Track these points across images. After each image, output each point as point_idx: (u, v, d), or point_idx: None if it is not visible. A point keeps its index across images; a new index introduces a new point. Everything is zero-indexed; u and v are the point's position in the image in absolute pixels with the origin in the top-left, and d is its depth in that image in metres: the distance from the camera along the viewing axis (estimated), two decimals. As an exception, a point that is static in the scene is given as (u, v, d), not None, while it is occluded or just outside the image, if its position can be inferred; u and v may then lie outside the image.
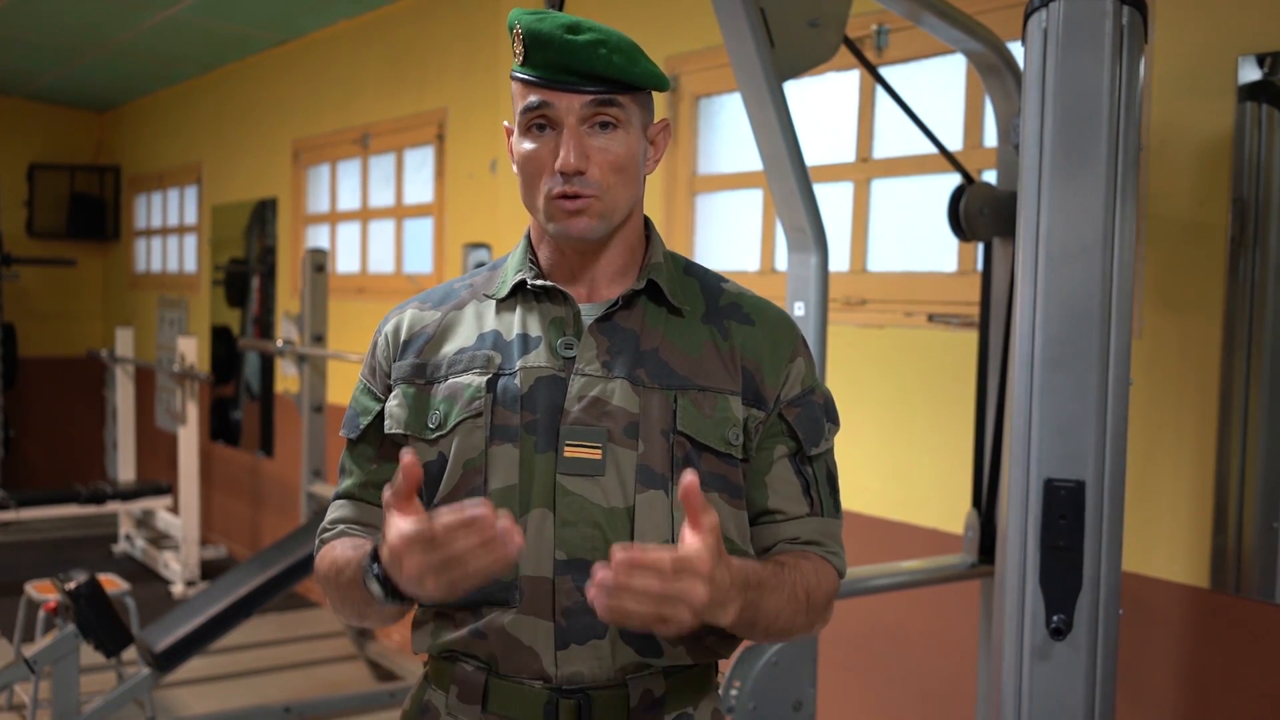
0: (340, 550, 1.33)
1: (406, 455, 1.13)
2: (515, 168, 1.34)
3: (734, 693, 2.28)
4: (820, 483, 1.38)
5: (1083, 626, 1.78)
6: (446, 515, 1.11)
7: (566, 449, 1.27)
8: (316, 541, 1.42)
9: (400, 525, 1.13)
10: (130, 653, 4.15)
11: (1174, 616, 2.55)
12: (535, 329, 1.33)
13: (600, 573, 1.08)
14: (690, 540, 1.11)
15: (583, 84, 1.26)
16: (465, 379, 1.32)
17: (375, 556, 1.20)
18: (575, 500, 1.27)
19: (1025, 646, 1.81)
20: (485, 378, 1.31)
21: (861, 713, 3.30)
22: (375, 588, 1.20)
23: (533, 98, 1.28)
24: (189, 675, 4.63)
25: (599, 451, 1.27)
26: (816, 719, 2.40)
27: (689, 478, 1.10)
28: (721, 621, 1.16)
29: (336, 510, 1.41)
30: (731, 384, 1.33)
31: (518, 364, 1.31)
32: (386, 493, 1.15)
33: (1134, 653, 2.55)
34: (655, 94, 1.36)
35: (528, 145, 1.29)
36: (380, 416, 1.37)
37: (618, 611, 1.09)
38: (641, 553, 1.08)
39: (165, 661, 3.86)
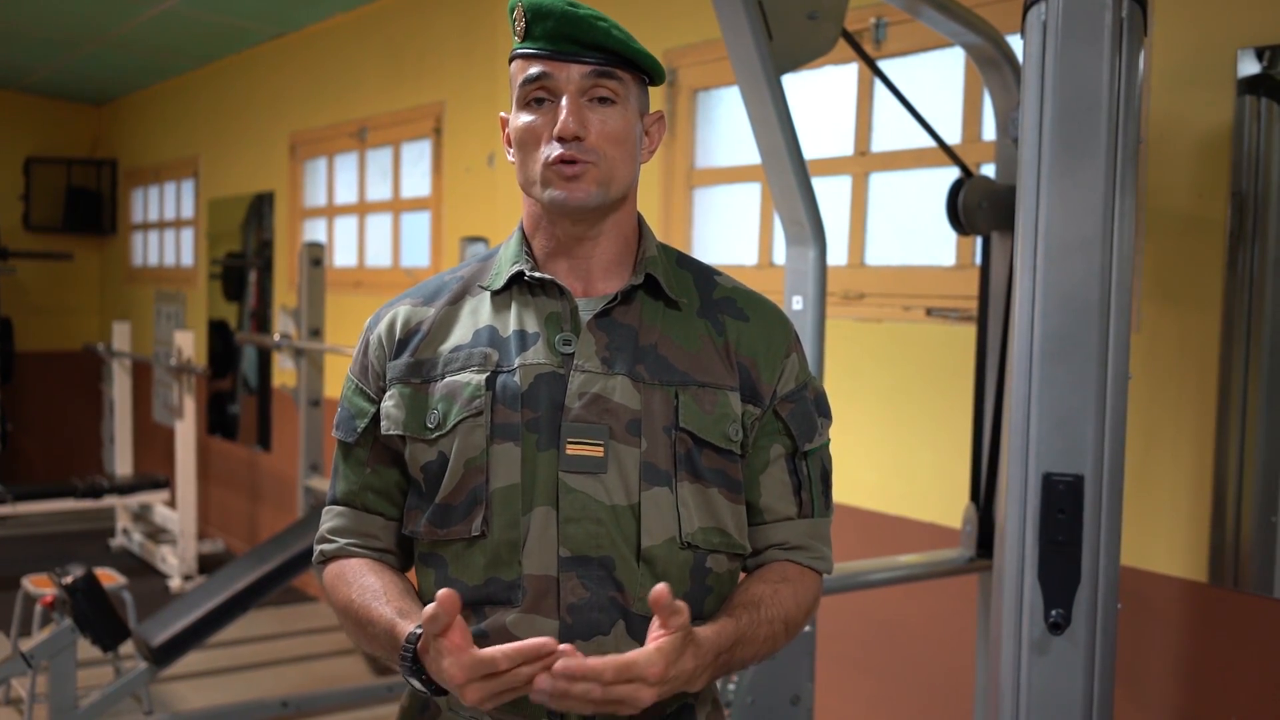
0: (358, 591, 1.30)
1: (444, 591, 1.12)
2: (510, 151, 1.34)
3: (731, 687, 2.28)
4: (814, 481, 1.38)
5: (1081, 621, 1.78)
6: (510, 648, 1.11)
7: (568, 446, 1.26)
8: (316, 551, 1.39)
9: (459, 659, 1.13)
10: (127, 647, 4.14)
11: (1172, 611, 2.55)
12: (532, 325, 1.31)
13: (540, 680, 1.10)
14: (649, 643, 1.14)
15: (584, 53, 1.26)
16: (464, 377, 1.30)
17: (414, 652, 1.18)
18: (578, 497, 1.26)
19: (1024, 641, 1.81)
20: (484, 375, 1.29)
21: (859, 707, 3.30)
22: (416, 684, 1.20)
23: (533, 69, 1.28)
24: (186, 670, 4.63)
25: (601, 449, 1.26)
26: (814, 713, 2.40)
27: (659, 587, 1.13)
28: (694, 689, 1.20)
29: (333, 518, 1.39)
30: (730, 379, 1.33)
31: (516, 361, 1.29)
32: (430, 625, 1.13)
33: (1132, 647, 2.55)
34: (651, 89, 1.36)
35: (526, 118, 1.29)
36: (375, 418, 1.35)
37: (562, 707, 1.13)
38: (580, 664, 1.10)
39: (162, 656, 3.85)
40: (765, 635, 1.28)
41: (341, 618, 1.35)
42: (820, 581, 1.40)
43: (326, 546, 1.38)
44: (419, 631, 1.18)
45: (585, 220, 1.32)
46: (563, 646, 1.12)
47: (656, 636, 1.15)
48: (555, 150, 1.27)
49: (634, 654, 1.13)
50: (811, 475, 1.38)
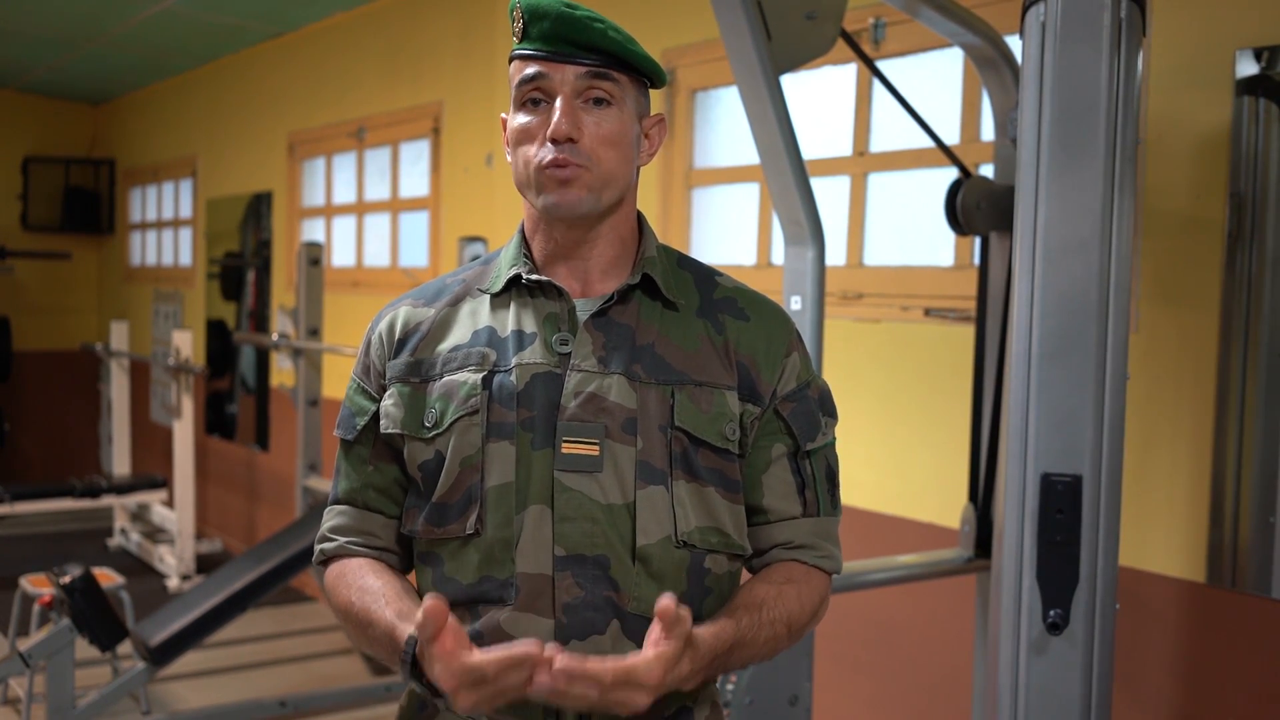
0: (358, 593, 1.30)
1: (429, 600, 1.11)
2: (509, 152, 1.34)
3: (730, 687, 2.28)
4: (818, 481, 1.37)
5: (1079, 621, 1.78)
6: (497, 656, 1.10)
7: (564, 445, 1.26)
8: (317, 550, 1.40)
9: (449, 666, 1.12)
10: (125, 647, 4.14)
11: (1170, 611, 2.56)
12: (530, 325, 1.32)
13: (540, 678, 1.10)
14: (646, 650, 1.13)
15: (579, 54, 1.26)
16: (461, 376, 1.31)
17: (413, 656, 1.18)
18: (574, 496, 1.26)
19: (1022, 641, 1.81)
20: (481, 375, 1.30)
21: (858, 707, 3.30)
22: (417, 687, 1.20)
23: (529, 70, 1.28)
24: (184, 669, 4.63)
25: (596, 448, 1.26)
26: (813, 713, 2.40)
27: (666, 599, 1.12)
28: (686, 689, 1.20)
29: (334, 517, 1.39)
30: (727, 379, 1.32)
31: (513, 360, 1.30)
32: (420, 633, 1.13)
33: (1131, 647, 2.55)
34: (651, 91, 1.36)
35: (522, 119, 1.30)
36: (376, 416, 1.36)
37: (559, 704, 1.15)
38: (581, 665, 1.10)
39: (160, 655, 3.85)
40: (766, 638, 1.28)
41: (342, 619, 1.35)
42: (828, 581, 1.38)
43: (326, 545, 1.39)
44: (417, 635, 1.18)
45: (581, 225, 1.32)
46: (549, 646, 1.11)
47: (657, 642, 1.14)
48: (549, 153, 1.27)
49: (634, 660, 1.12)
50: (816, 474, 1.37)
